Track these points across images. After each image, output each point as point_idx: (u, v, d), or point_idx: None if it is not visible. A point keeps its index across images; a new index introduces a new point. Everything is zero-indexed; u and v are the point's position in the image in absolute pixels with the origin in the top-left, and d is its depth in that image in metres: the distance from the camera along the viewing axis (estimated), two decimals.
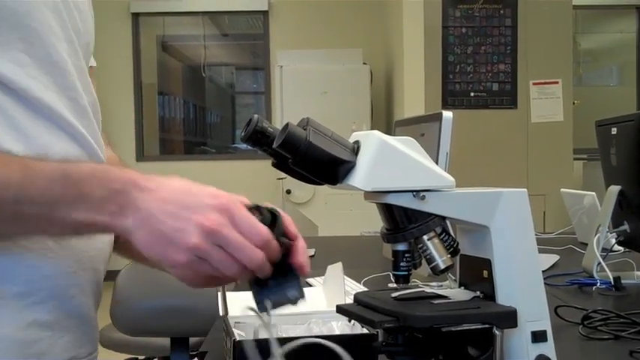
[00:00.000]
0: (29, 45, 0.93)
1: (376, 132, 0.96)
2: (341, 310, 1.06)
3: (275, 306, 0.92)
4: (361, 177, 0.94)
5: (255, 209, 0.90)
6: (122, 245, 1.11)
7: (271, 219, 0.90)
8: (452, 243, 1.00)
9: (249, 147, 1.02)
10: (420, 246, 0.99)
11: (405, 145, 0.96)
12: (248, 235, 0.83)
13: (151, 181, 0.85)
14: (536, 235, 1.03)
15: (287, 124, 0.94)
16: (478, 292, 1.04)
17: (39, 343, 0.94)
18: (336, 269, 1.45)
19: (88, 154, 1.03)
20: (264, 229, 0.85)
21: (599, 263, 1.91)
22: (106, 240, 1.07)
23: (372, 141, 0.95)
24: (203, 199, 0.84)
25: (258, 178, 6.19)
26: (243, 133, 0.97)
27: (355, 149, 0.97)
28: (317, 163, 0.94)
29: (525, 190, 1.01)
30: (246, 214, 0.85)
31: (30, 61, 0.93)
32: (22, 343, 0.92)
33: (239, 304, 1.42)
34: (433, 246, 0.98)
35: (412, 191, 0.96)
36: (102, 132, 1.17)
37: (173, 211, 0.83)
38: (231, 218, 0.83)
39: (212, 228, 0.82)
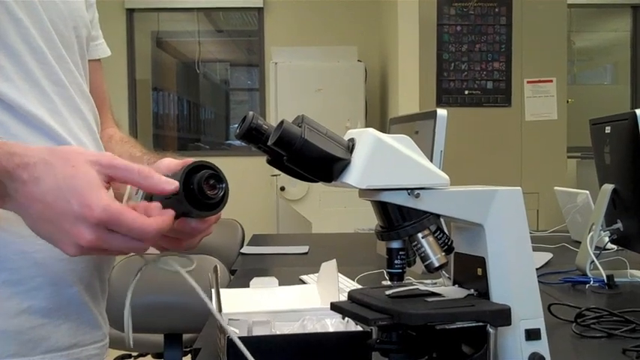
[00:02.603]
0: None
1: (371, 130, 0.96)
2: (335, 307, 1.06)
3: None
4: (356, 175, 0.94)
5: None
6: None
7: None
8: (446, 241, 1.00)
9: (243, 144, 1.01)
10: (414, 244, 0.99)
11: (399, 143, 0.96)
12: (133, 235, 0.81)
13: (24, 171, 0.81)
14: (529, 233, 1.03)
15: (282, 122, 0.94)
16: (472, 290, 1.04)
17: (36, 329, 0.94)
18: (330, 266, 1.45)
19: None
20: (148, 228, 0.81)
21: (593, 261, 1.92)
22: None
23: (367, 138, 0.95)
24: (74, 208, 0.78)
25: (252, 175, 6.19)
26: (238, 130, 0.97)
27: (350, 147, 0.97)
28: (312, 160, 0.94)
29: (520, 188, 1.01)
30: (125, 218, 0.80)
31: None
32: (13, 331, 0.91)
33: (232, 301, 1.43)
34: (427, 244, 0.98)
35: (407, 189, 0.96)
36: (107, 114, 1.17)
37: (49, 217, 0.80)
38: (110, 226, 0.79)
39: (89, 246, 0.80)
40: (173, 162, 0.92)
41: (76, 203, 0.78)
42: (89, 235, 0.78)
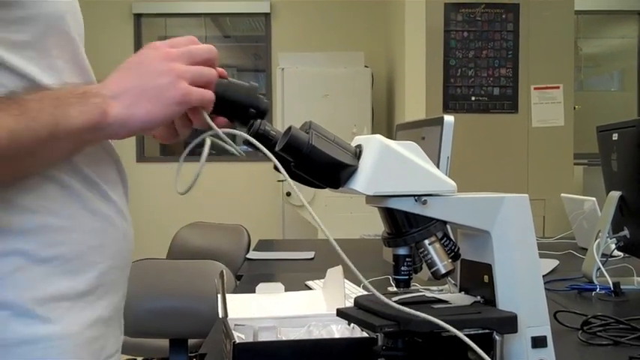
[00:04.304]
0: (62, 50, 0.92)
1: (378, 136, 0.96)
2: (341, 313, 1.06)
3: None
4: (363, 181, 0.94)
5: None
6: None
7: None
8: (453, 247, 1.00)
9: (249, 149, 1.02)
10: (421, 250, 0.99)
11: (407, 150, 0.96)
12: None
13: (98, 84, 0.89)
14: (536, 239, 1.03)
15: (290, 128, 0.95)
16: (479, 297, 1.04)
17: (99, 339, 0.94)
18: (336, 272, 1.45)
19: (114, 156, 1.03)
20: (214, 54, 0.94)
21: (599, 268, 1.91)
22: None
23: (374, 145, 0.95)
24: (158, 53, 0.90)
25: (258, 181, 6.19)
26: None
27: (357, 153, 0.97)
28: (319, 166, 0.94)
29: (527, 195, 1.01)
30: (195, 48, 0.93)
31: (65, 67, 0.92)
32: (89, 340, 0.92)
33: (239, 306, 1.43)
34: (434, 250, 0.98)
35: (414, 196, 0.96)
36: None
37: (139, 71, 0.88)
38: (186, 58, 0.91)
39: (176, 52, 0.90)
40: None
41: (154, 54, 0.90)
42: (178, 67, 0.89)
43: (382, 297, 0.95)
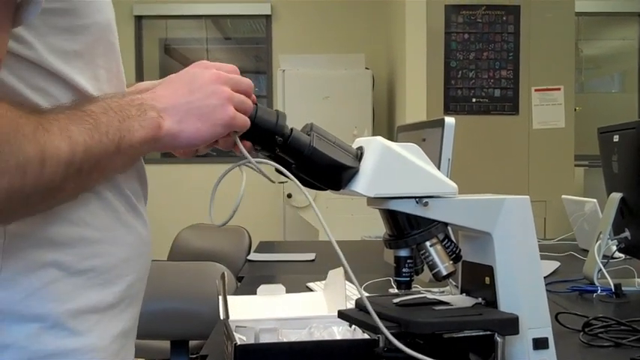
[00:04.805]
0: (106, 59, 0.92)
1: (379, 138, 0.97)
2: (342, 315, 1.06)
3: None
4: (365, 183, 0.94)
5: None
6: None
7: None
8: (454, 249, 1.00)
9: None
10: (422, 252, 0.99)
11: (408, 152, 0.96)
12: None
13: (149, 90, 0.90)
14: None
15: (291, 129, 0.95)
16: (480, 299, 1.04)
17: (122, 351, 0.94)
18: (337, 274, 1.45)
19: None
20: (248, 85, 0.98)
21: (600, 270, 1.91)
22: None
23: (375, 147, 0.95)
24: (206, 75, 0.92)
25: (259, 182, 6.17)
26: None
27: (358, 155, 0.97)
28: (321, 168, 0.94)
29: (528, 197, 1.01)
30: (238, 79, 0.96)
31: (106, 76, 0.92)
32: (114, 352, 0.91)
33: (240, 307, 1.43)
34: (435, 252, 0.98)
35: (415, 198, 0.96)
36: None
37: (191, 88, 0.90)
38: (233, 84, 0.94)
39: (224, 76, 0.93)
40: (151, 83, 0.98)
41: (206, 74, 0.92)
42: (228, 90, 0.92)
43: (367, 302, 0.95)
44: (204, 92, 0.90)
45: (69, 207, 0.84)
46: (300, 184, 0.97)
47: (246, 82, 0.97)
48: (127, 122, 0.83)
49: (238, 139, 0.95)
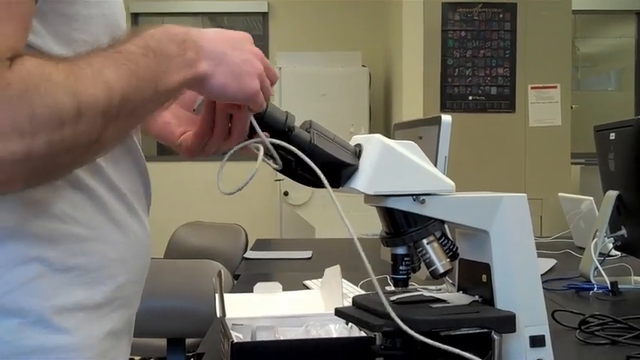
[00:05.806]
0: None
1: (378, 135, 0.97)
2: (339, 313, 1.06)
3: None
4: (364, 180, 0.94)
5: None
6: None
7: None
8: (451, 247, 1.00)
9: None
10: (419, 250, 0.99)
11: (406, 149, 0.96)
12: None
13: (193, 29, 0.89)
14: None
15: (293, 127, 0.95)
16: (477, 297, 1.04)
17: (111, 352, 0.93)
18: (333, 272, 1.45)
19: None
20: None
21: (597, 268, 1.92)
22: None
23: (374, 144, 0.95)
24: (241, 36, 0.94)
25: (256, 180, 6.14)
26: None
27: (357, 152, 0.97)
28: (320, 165, 0.94)
29: (525, 195, 1.02)
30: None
31: None
32: (101, 352, 0.90)
33: (236, 305, 1.43)
34: (432, 250, 0.98)
35: (413, 195, 0.96)
36: None
37: (233, 45, 0.90)
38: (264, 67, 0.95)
39: (261, 55, 0.94)
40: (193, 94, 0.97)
41: (248, 43, 0.94)
42: (261, 67, 0.92)
43: (384, 299, 0.95)
44: (243, 56, 0.91)
45: (55, 202, 0.83)
46: (332, 194, 0.98)
47: (275, 72, 0.98)
48: (165, 64, 0.81)
49: (254, 121, 0.95)
